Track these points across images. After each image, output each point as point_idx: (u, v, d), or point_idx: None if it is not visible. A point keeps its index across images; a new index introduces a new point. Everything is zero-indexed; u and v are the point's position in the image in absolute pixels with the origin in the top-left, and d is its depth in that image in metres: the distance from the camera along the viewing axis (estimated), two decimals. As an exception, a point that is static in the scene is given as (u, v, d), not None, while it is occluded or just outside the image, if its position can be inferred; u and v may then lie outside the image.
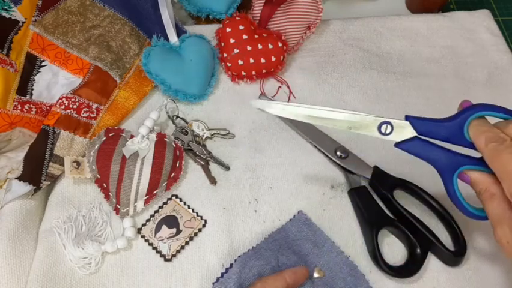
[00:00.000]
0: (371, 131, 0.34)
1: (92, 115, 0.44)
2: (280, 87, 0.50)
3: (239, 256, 0.38)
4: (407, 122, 0.33)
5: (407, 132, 0.34)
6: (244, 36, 0.48)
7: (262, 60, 0.48)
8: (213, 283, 0.37)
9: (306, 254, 0.39)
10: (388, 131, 0.34)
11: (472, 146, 0.32)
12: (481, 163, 0.32)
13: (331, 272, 0.38)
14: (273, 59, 0.49)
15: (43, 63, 0.47)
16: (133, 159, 0.41)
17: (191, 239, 0.40)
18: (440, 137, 0.33)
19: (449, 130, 0.33)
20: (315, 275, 0.37)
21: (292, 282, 0.34)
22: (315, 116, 0.34)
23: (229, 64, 0.49)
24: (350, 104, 0.49)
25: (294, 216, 0.41)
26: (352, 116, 0.34)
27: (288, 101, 0.49)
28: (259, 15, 0.50)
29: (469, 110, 0.32)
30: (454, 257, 0.39)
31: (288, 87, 0.50)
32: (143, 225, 0.41)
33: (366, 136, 0.33)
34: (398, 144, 0.34)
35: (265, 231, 0.41)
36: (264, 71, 0.49)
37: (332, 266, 0.38)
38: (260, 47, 0.48)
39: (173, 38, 0.48)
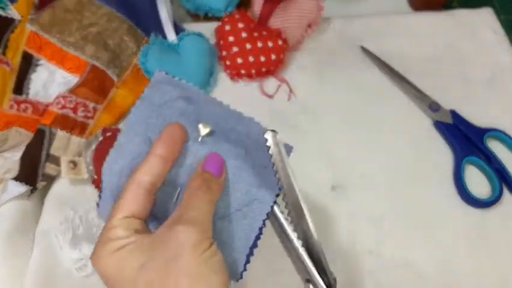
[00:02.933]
0: None
1: (89, 114, 0.44)
2: (280, 85, 0.50)
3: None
4: None
5: None
6: (244, 34, 0.48)
7: (262, 59, 0.48)
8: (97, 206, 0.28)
9: (182, 114, 0.28)
10: None
11: None
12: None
13: (217, 126, 0.28)
14: (273, 57, 0.48)
15: (40, 62, 0.47)
16: (131, 160, 0.41)
17: (189, 240, 0.40)
18: None
19: None
20: (202, 131, 0.27)
21: (168, 151, 0.25)
22: None
23: (228, 62, 0.49)
24: (351, 103, 0.48)
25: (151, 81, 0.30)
26: None
27: (289, 100, 0.49)
28: (259, 12, 0.50)
29: None
30: None
31: (288, 86, 0.49)
32: (141, 226, 0.41)
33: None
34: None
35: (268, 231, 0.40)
36: (263, 69, 0.49)
37: (217, 119, 0.29)
38: (260, 45, 0.48)
39: (171, 36, 0.48)
